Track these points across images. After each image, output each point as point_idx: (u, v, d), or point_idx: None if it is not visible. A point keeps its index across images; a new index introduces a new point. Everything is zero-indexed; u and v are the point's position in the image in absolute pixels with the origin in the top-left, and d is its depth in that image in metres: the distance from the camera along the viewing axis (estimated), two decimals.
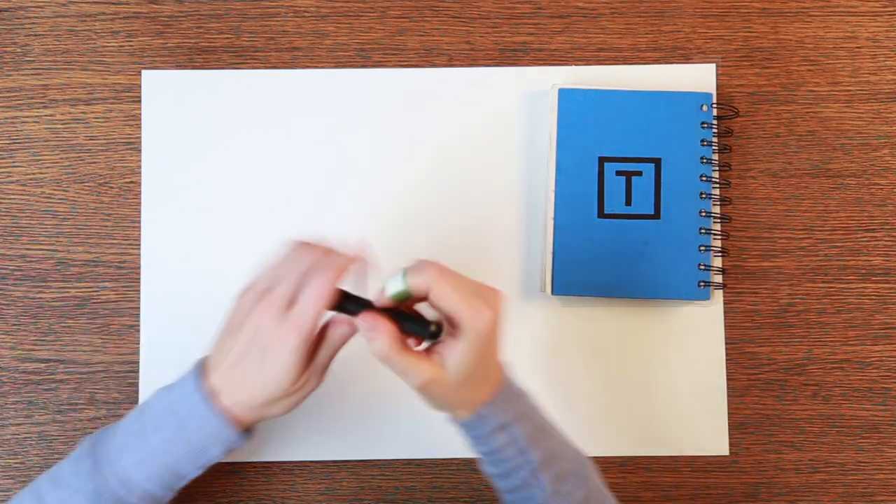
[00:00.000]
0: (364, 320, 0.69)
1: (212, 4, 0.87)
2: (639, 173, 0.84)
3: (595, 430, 0.84)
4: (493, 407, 0.71)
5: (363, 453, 0.84)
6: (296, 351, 0.69)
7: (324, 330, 0.73)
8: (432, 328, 0.68)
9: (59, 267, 0.85)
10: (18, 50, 0.87)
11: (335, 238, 0.73)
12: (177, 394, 0.71)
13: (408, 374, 0.69)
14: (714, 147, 0.84)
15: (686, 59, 0.87)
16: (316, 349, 0.72)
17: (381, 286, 0.69)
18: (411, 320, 0.69)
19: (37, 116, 0.86)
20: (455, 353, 0.68)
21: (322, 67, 0.87)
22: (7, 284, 0.85)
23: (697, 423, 0.85)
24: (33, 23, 0.87)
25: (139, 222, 0.86)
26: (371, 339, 0.69)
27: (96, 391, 0.84)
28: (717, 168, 0.84)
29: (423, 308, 0.71)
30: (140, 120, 0.86)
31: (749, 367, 0.85)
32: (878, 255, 0.86)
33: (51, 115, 0.86)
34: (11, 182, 0.86)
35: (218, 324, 0.85)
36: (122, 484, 0.69)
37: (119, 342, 0.85)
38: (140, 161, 0.86)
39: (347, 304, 0.70)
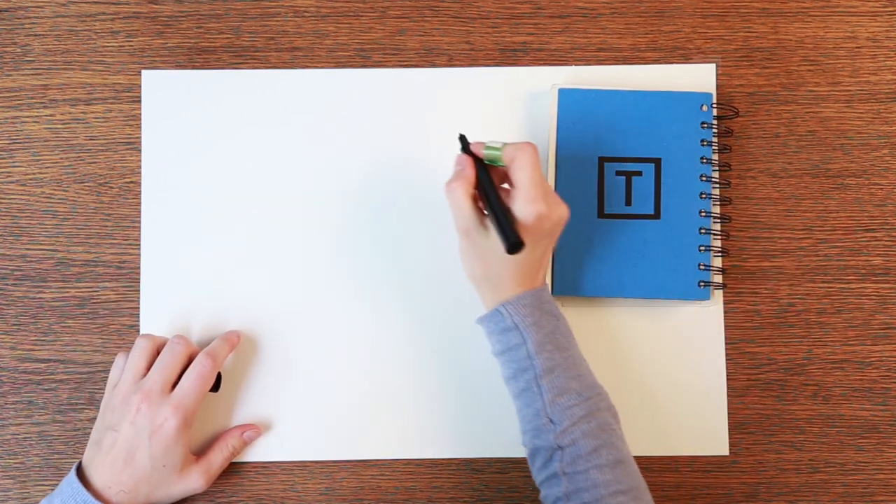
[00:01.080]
0: (460, 157, 0.77)
1: (212, 4, 0.87)
2: (639, 173, 0.84)
3: None
4: (514, 306, 0.75)
5: (363, 453, 0.84)
6: (179, 431, 0.76)
7: (222, 436, 0.82)
8: (513, 238, 0.71)
9: (59, 267, 0.85)
10: (18, 50, 0.87)
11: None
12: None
13: (460, 213, 0.75)
14: (714, 147, 0.84)
15: (686, 59, 0.87)
16: (211, 451, 0.81)
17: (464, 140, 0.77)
18: (501, 212, 0.73)
19: (37, 116, 0.86)
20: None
21: (322, 67, 0.87)
22: (7, 284, 0.85)
23: (697, 423, 0.85)
24: (33, 23, 0.87)
25: (139, 222, 0.86)
26: (456, 174, 0.76)
27: (96, 391, 0.84)
28: (717, 168, 0.84)
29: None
30: (140, 120, 0.86)
31: (749, 367, 0.85)
32: (878, 255, 0.86)
33: (51, 115, 0.86)
34: (11, 182, 0.86)
35: (215, 328, 0.85)
36: None
37: (119, 342, 0.85)
38: (140, 161, 0.86)
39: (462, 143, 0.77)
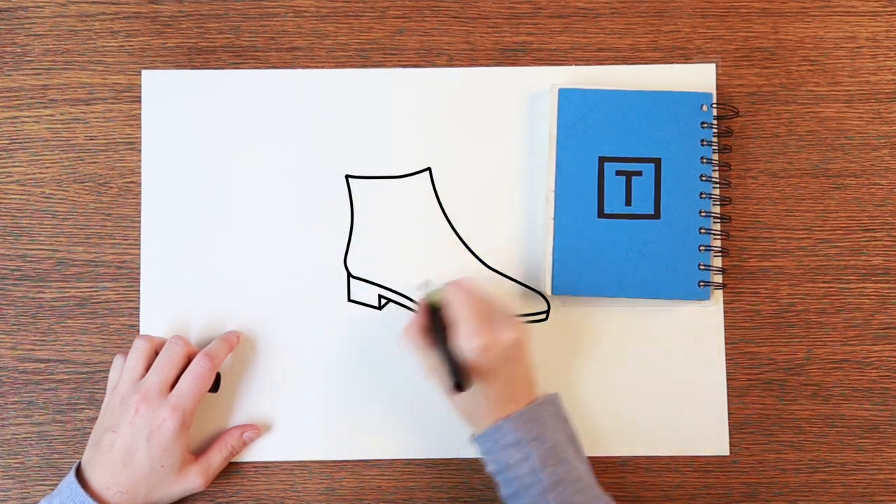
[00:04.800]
0: (418, 305, 0.79)
1: (212, 4, 0.87)
2: (639, 173, 0.84)
3: (595, 430, 0.84)
4: (512, 422, 0.74)
5: (363, 453, 0.84)
6: (177, 432, 0.76)
7: (222, 436, 0.82)
8: (454, 380, 0.72)
9: (59, 267, 0.85)
10: (18, 50, 0.87)
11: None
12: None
13: (418, 358, 0.76)
14: (714, 147, 0.84)
15: (686, 59, 0.87)
16: (210, 451, 0.81)
17: (425, 287, 0.79)
18: (450, 357, 0.73)
19: (37, 116, 0.86)
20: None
21: (322, 67, 0.87)
22: (7, 284, 0.85)
23: (697, 423, 0.85)
24: (33, 23, 0.87)
25: (139, 222, 0.86)
26: (410, 322, 0.77)
27: (96, 391, 0.84)
28: (717, 168, 0.84)
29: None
30: (140, 120, 0.86)
31: (749, 367, 0.85)
32: (878, 255, 0.86)
33: (51, 115, 0.86)
34: (11, 182, 0.86)
35: (215, 328, 0.85)
36: None
37: (119, 342, 0.85)
38: (140, 161, 0.86)
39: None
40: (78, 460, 0.79)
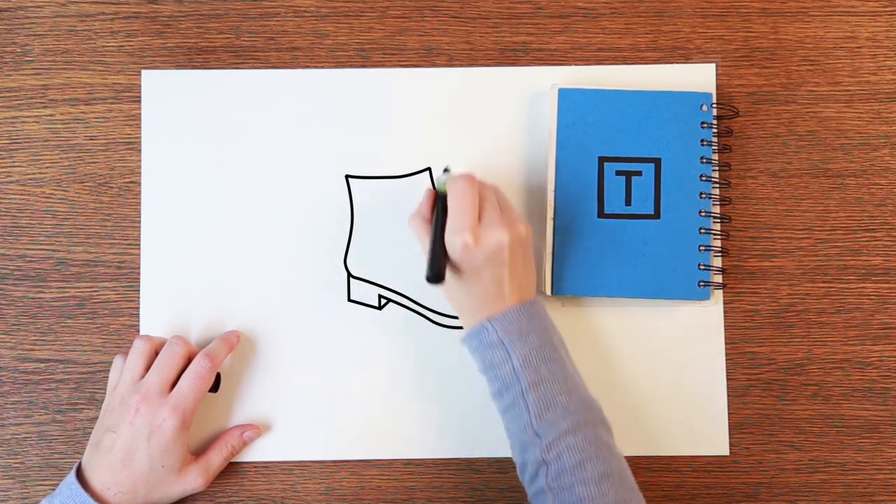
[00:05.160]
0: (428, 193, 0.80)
1: (212, 4, 0.87)
2: (639, 173, 0.84)
3: None
4: (499, 321, 0.75)
5: (363, 453, 0.84)
6: (178, 432, 0.76)
7: (222, 436, 0.82)
8: (429, 272, 0.74)
9: (58, 267, 0.85)
10: (18, 50, 0.87)
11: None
12: None
13: (419, 243, 0.79)
14: (714, 147, 0.84)
15: (686, 59, 0.87)
16: (210, 451, 0.81)
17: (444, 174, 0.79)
18: (434, 248, 0.75)
19: (37, 116, 0.86)
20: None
21: (322, 67, 0.87)
22: (7, 284, 0.85)
23: (697, 423, 0.85)
24: (33, 23, 0.87)
25: (139, 222, 0.86)
26: (417, 207, 0.79)
27: (96, 391, 0.84)
28: (716, 168, 0.84)
29: None
30: (140, 120, 0.86)
31: (749, 367, 0.85)
32: (878, 255, 0.86)
33: (51, 115, 0.86)
34: (11, 182, 0.86)
35: (215, 328, 0.85)
36: None
37: (119, 342, 0.85)
38: (140, 161, 0.86)
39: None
40: (78, 460, 0.79)
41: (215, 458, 0.81)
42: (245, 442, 0.82)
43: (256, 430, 0.83)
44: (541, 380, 0.74)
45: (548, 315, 0.78)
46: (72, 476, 0.76)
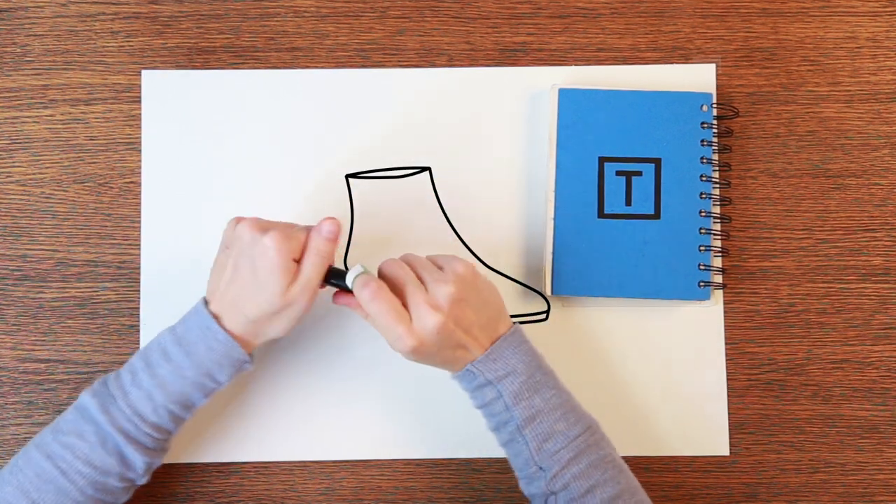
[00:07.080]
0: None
1: (212, 4, 0.87)
2: (639, 173, 0.84)
3: None
4: (481, 364, 0.74)
5: (363, 453, 0.84)
6: (280, 253, 0.71)
7: (303, 248, 0.73)
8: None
9: (59, 267, 0.85)
10: (18, 50, 0.87)
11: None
12: (181, 328, 0.74)
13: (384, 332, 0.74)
14: (714, 147, 0.84)
15: (686, 59, 0.87)
16: (301, 267, 0.73)
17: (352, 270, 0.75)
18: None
19: (37, 116, 0.86)
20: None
21: (322, 67, 0.87)
22: (7, 284, 0.85)
23: (697, 423, 0.85)
24: (33, 23, 0.87)
25: (139, 222, 0.86)
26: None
27: None
28: (717, 168, 0.84)
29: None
30: (140, 120, 0.86)
31: (749, 367, 0.85)
32: (878, 255, 0.86)
33: (51, 115, 0.86)
34: (11, 182, 0.86)
35: None
36: (130, 419, 0.72)
37: (119, 342, 0.85)
38: (140, 161, 0.86)
39: (334, 278, 0.76)
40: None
41: (309, 270, 0.72)
42: (328, 240, 0.73)
43: (331, 219, 0.73)
44: (536, 412, 0.73)
45: (526, 338, 0.76)
46: (200, 304, 0.74)
